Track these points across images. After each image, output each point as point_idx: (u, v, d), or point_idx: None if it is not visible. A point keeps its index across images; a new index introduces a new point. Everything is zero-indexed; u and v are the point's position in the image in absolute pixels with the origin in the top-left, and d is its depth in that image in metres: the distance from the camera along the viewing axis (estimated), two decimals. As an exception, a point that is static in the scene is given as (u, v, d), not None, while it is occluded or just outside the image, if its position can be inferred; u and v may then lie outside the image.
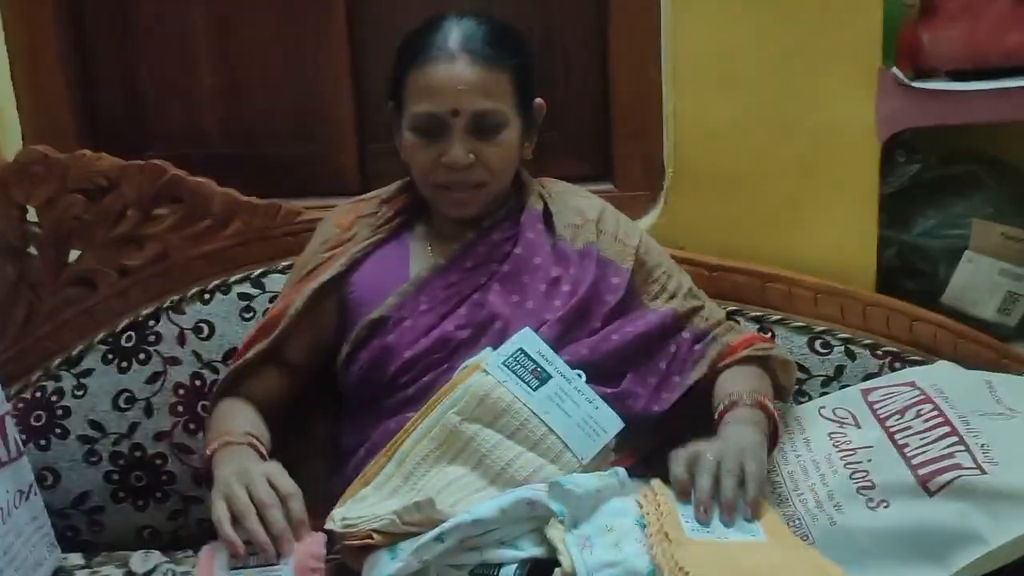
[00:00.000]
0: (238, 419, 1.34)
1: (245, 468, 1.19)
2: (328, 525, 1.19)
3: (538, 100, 1.41)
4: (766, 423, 1.29)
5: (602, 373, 1.31)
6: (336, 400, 1.43)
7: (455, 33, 1.33)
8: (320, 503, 1.26)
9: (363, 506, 1.18)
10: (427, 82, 1.31)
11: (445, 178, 1.34)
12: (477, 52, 1.31)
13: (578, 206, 1.45)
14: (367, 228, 1.43)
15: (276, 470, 1.20)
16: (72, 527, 1.57)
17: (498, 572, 1.09)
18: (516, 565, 1.09)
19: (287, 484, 1.17)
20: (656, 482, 1.20)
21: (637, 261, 1.42)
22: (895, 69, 1.64)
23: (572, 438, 1.23)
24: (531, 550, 1.10)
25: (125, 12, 1.77)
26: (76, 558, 1.51)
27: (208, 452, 1.28)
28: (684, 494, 1.14)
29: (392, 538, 1.11)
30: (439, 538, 1.08)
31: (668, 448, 1.42)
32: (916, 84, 1.63)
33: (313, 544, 1.14)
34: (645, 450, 1.36)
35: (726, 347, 1.41)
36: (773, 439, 1.31)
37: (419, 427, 1.21)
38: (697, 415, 1.42)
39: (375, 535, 1.12)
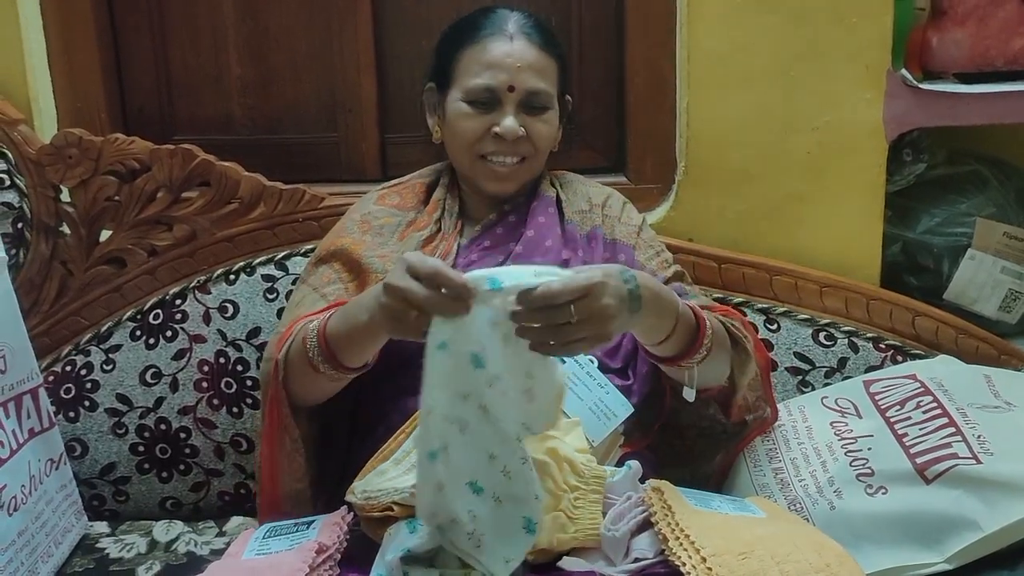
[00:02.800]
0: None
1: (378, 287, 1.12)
2: (348, 498, 1.23)
3: (567, 96, 1.47)
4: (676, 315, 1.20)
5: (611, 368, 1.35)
6: (354, 381, 1.46)
7: (511, 18, 1.40)
8: (339, 481, 1.31)
9: (382, 480, 1.22)
10: (486, 57, 1.36)
11: (493, 148, 1.38)
12: (532, 36, 1.39)
13: (586, 193, 1.49)
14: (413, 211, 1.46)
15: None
16: (98, 496, 1.62)
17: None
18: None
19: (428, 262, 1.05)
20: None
21: (639, 240, 1.45)
22: (904, 71, 1.66)
23: (583, 421, 1.25)
24: None
25: (159, 2, 1.80)
26: (102, 526, 1.57)
27: (321, 325, 1.22)
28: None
29: (411, 510, 1.15)
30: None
31: (673, 436, 1.48)
32: (924, 86, 1.66)
33: (336, 514, 1.19)
34: (652, 435, 1.40)
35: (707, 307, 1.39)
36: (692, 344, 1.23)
37: (437, 406, 1.25)
38: (700, 405, 1.47)
39: (395, 507, 1.16)
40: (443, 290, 1.02)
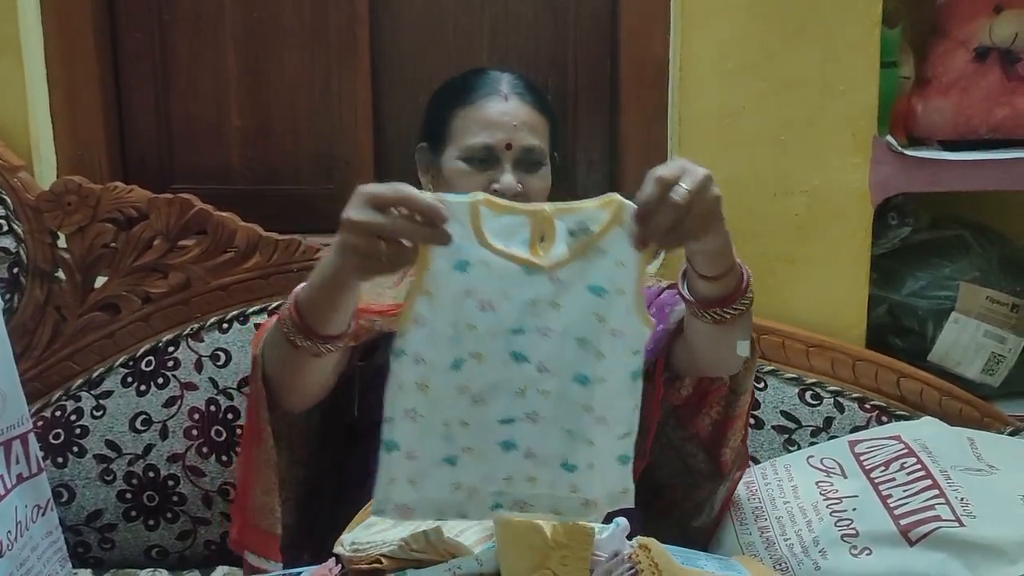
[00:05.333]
0: None
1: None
2: (337, 549, 1.22)
3: (555, 154, 1.49)
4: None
5: None
6: (345, 432, 1.46)
7: (503, 78, 1.44)
8: (327, 532, 1.31)
9: (371, 532, 1.21)
10: (483, 116, 1.40)
11: None
12: (526, 96, 1.43)
13: None
14: None
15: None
16: (83, 543, 1.61)
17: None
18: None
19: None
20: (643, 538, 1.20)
21: None
22: (889, 137, 1.70)
23: None
24: None
25: (163, 53, 1.83)
26: (86, 574, 1.56)
27: (290, 304, 1.16)
28: (642, 216, 0.97)
29: (400, 563, 1.15)
30: None
31: (655, 494, 1.48)
32: (909, 152, 1.70)
33: (324, 566, 1.19)
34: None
35: None
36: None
37: (427, 458, 1.26)
38: (684, 456, 1.48)
39: (383, 560, 1.16)
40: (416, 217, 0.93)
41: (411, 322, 0.99)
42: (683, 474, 1.46)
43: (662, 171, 0.98)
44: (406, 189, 0.95)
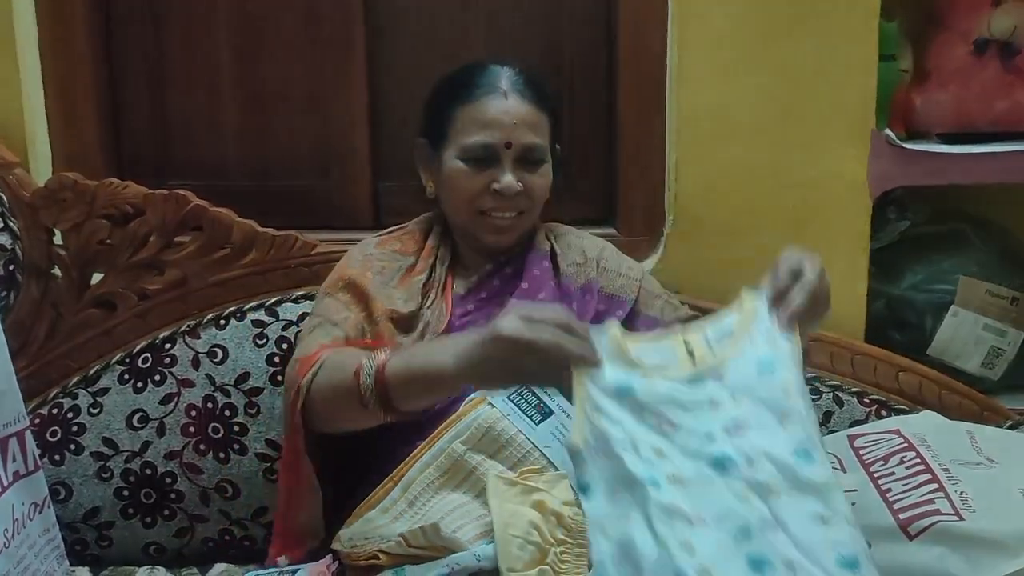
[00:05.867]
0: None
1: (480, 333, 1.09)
2: (334, 545, 1.23)
3: (557, 145, 1.49)
4: None
5: None
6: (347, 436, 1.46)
7: (503, 74, 1.42)
8: (327, 526, 1.31)
9: (369, 528, 1.22)
10: (482, 115, 1.39)
11: (492, 204, 1.40)
12: (525, 92, 1.41)
13: (580, 246, 1.51)
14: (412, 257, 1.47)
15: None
16: (81, 541, 1.61)
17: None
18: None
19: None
20: None
21: (641, 290, 1.48)
22: (888, 130, 1.70)
23: (571, 472, 1.26)
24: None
25: (157, 49, 1.82)
26: (83, 572, 1.55)
27: (378, 367, 1.17)
28: (778, 298, 1.10)
29: (397, 559, 1.15)
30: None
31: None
32: (907, 145, 1.69)
33: (321, 562, 1.19)
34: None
35: None
36: None
37: (425, 455, 1.25)
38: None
39: (381, 555, 1.16)
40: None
41: (586, 450, 1.00)
42: None
43: (789, 262, 1.11)
44: (560, 310, 1.06)
